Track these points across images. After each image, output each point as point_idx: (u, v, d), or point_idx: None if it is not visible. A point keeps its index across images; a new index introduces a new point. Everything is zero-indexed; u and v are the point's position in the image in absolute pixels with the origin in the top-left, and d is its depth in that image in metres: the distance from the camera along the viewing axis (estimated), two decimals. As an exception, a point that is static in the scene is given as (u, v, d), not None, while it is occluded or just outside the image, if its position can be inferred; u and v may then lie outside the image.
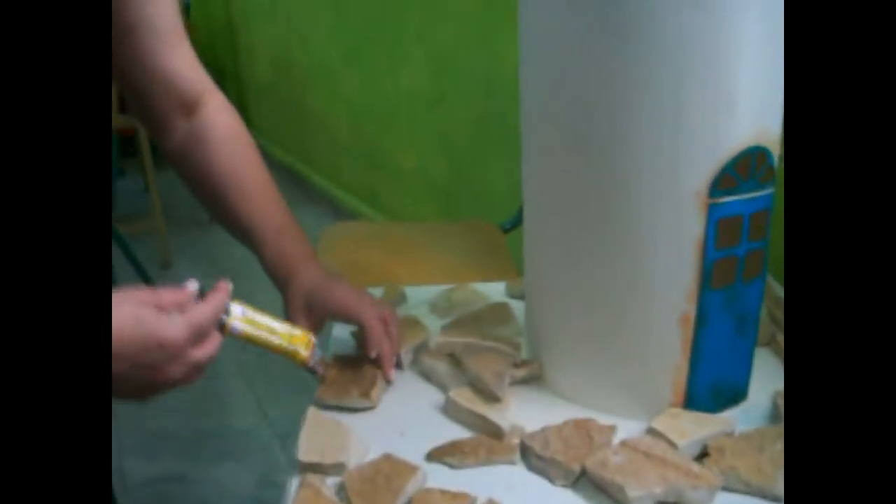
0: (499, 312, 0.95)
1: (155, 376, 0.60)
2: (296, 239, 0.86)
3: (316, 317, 0.82)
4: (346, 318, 0.83)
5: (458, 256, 1.42)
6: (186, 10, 4.09)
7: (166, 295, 0.64)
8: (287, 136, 3.97)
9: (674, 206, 0.68)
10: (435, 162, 2.47)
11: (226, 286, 0.70)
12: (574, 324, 0.77)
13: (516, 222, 1.60)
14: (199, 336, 0.63)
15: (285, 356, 0.78)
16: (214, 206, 0.86)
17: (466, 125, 2.26)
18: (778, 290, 1.02)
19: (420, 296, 1.06)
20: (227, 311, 0.70)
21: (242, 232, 0.86)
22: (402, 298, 1.05)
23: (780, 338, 0.89)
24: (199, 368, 0.64)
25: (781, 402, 0.76)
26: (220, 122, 0.87)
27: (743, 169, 0.67)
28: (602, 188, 0.70)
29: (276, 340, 0.76)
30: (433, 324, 0.94)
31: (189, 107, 0.86)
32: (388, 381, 0.82)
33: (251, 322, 0.73)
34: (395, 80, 2.67)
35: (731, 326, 0.74)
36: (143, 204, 3.14)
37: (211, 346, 0.65)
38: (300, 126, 3.78)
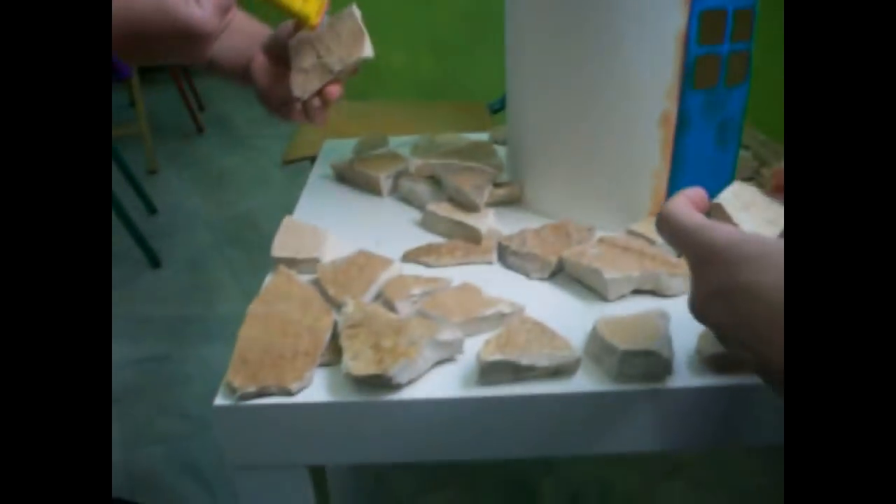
0: (481, 148, 0.93)
1: (186, 52, 0.61)
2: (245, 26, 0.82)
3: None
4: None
5: (445, 128, 1.40)
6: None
7: None
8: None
9: (656, -5, 0.66)
10: (424, 59, 2.43)
11: None
12: (554, 134, 0.76)
13: (504, 103, 1.58)
14: (226, 9, 0.62)
15: (297, 16, 0.72)
16: None
17: (454, 21, 2.22)
18: (761, 135, 1.01)
19: (402, 142, 1.04)
20: None
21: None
22: (383, 142, 1.03)
23: (765, 171, 0.88)
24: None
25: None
26: None
27: (728, -44, 0.65)
28: (583, -20, 0.68)
29: None
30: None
31: None
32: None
33: None
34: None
35: (712, 133, 0.72)
36: (129, 117, 3.10)
37: None
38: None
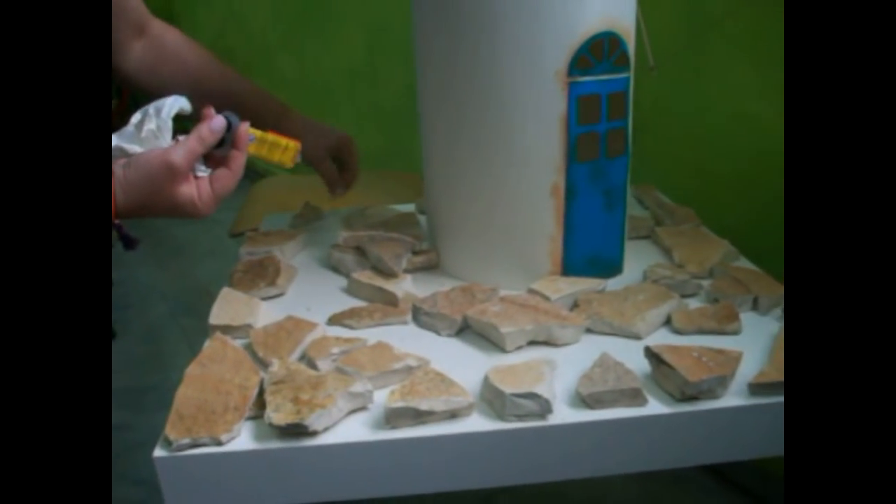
0: (405, 219, 1.03)
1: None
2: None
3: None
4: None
5: (381, 198, 1.49)
6: None
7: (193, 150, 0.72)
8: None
9: (538, 85, 0.77)
10: (370, 130, 2.55)
11: (245, 131, 0.76)
12: (462, 206, 0.85)
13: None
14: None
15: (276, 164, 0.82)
16: (193, 88, 0.92)
17: (397, 94, 2.34)
18: (662, 196, 1.12)
19: (336, 215, 1.13)
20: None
21: (227, 97, 0.94)
22: (317, 216, 1.12)
23: (658, 230, 0.98)
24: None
25: (650, 271, 0.86)
26: (172, 33, 0.99)
27: (597, 51, 0.76)
28: (474, 75, 0.78)
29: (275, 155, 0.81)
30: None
31: (140, 28, 0.97)
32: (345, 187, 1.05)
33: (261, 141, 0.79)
34: (333, 59, 2.74)
35: (599, 200, 0.83)
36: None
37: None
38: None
